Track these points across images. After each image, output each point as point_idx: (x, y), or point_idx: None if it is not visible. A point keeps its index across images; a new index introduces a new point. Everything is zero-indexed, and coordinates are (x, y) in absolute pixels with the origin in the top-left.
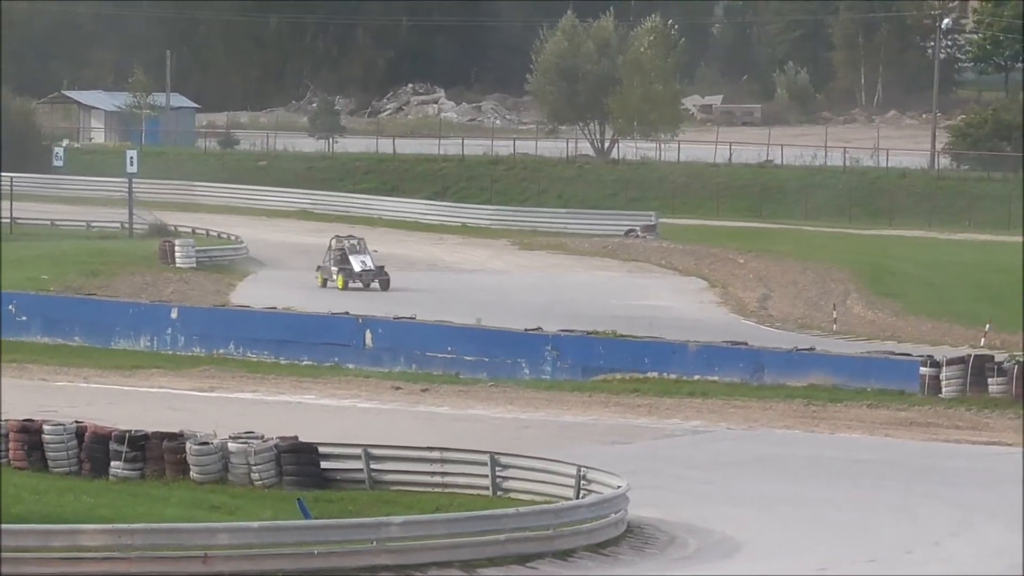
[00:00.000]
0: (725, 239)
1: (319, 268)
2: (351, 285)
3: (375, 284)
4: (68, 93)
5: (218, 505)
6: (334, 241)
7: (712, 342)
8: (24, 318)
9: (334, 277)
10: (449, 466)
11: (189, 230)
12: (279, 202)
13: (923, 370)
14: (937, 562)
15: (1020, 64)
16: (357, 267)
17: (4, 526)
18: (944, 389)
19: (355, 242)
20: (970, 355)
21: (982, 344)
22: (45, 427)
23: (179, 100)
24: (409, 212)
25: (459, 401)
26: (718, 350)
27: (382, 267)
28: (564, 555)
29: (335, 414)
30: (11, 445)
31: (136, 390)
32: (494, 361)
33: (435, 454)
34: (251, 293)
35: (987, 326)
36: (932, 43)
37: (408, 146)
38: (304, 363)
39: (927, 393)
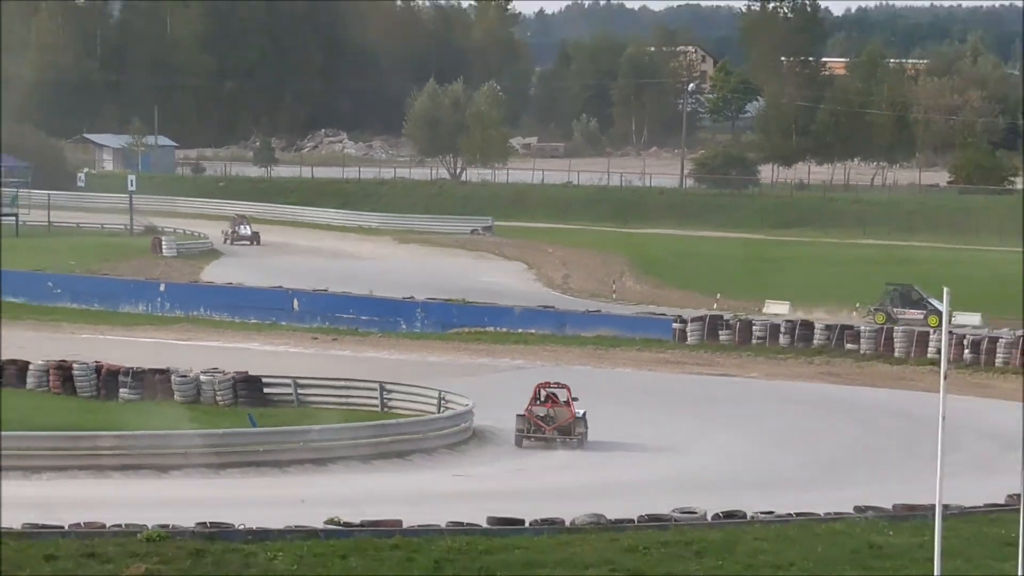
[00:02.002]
0: (539, 236)
1: (224, 233)
2: (237, 243)
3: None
4: (87, 135)
5: (194, 418)
6: (233, 222)
7: (530, 306)
8: (59, 291)
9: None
10: (351, 391)
11: (171, 230)
12: (233, 210)
13: (675, 325)
14: (688, 454)
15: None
16: (242, 229)
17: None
18: (689, 338)
19: (244, 224)
20: (706, 315)
21: (714, 307)
22: (74, 365)
23: (163, 140)
24: (322, 218)
25: (358, 347)
26: (535, 312)
27: (257, 233)
28: (429, 451)
29: (273, 356)
30: (51, 378)
31: (136, 340)
32: (381, 320)
33: (341, 382)
34: (214, 273)
35: (718, 295)
36: (682, 101)
37: (321, 172)
38: (251, 321)
39: (677, 341)
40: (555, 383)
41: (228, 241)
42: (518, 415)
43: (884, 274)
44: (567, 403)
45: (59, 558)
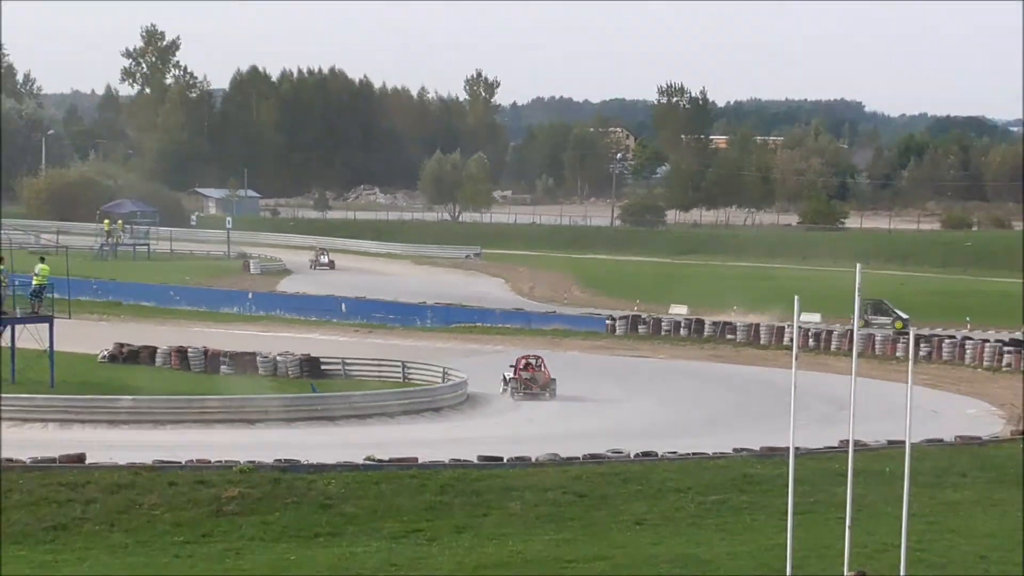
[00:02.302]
0: (513, 260)
1: (310, 261)
2: (319, 268)
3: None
4: (198, 189)
5: (272, 387)
6: (315, 252)
7: (506, 309)
8: (178, 298)
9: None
10: (382, 367)
11: (256, 256)
12: (302, 242)
13: (607, 322)
14: (616, 412)
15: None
16: (322, 259)
17: (167, 396)
18: (617, 331)
19: (325, 255)
20: (629, 315)
21: (635, 309)
22: (188, 349)
23: (251, 193)
24: (361, 247)
25: (386, 337)
26: (509, 313)
27: (331, 261)
28: (437, 410)
29: (327, 344)
30: (172, 358)
31: (231, 332)
32: (402, 318)
33: (375, 361)
34: (287, 286)
35: (637, 301)
36: (612, 165)
37: (361, 215)
38: (312, 319)
39: (609, 332)
40: (533, 355)
41: (313, 267)
42: (508, 376)
43: (753, 286)
44: (543, 368)
45: (178, 484)
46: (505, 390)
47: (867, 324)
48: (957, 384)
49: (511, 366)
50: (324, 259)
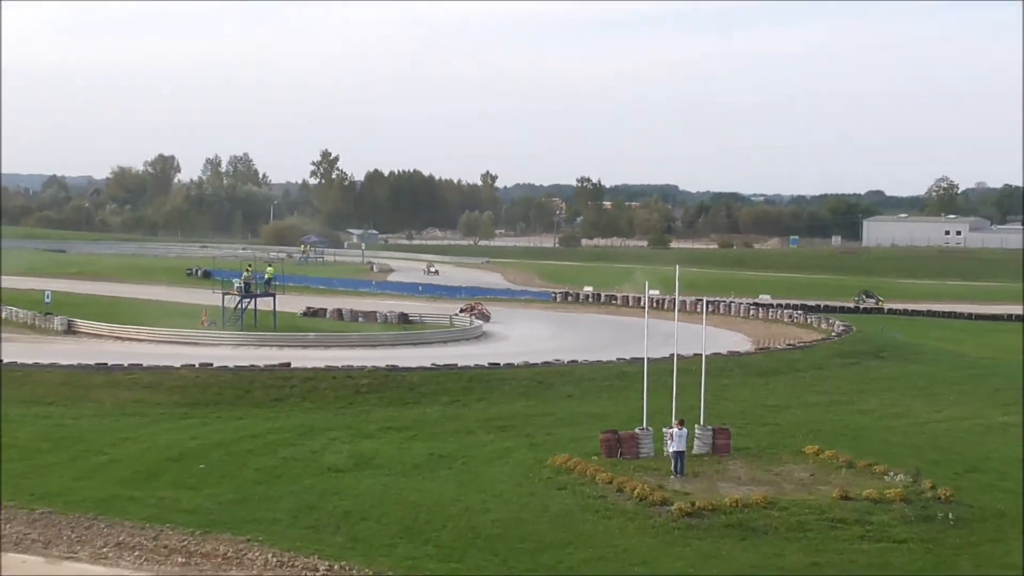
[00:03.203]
0: (506, 265)
1: (424, 270)
2: (429, 274)
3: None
4: (348, 230)
5: (383, 328)
6: (427, 265)
7: (502, 288)
8: (337, 284)
9: (427, 272)
10: (439, 318)
11: (376, 263)
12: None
13: (552, 295)
14: (544, 342)
15: (578, 223)
16: (432, 269)
17: (329, 333)
18: (558, 299)
19: (433, 267)
20: (566, 291)
21: (567, 289)
22: (342, 309)
23: (373, 231)
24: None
25: (440, 303)
26: (502, 291)
27: (436, 270)
28: (467, 340)
29: (412, 306)
30: (334, 314)
31: (364, 301)
32: (447, 295)
33: (435, 315)
34: (392, 277)
35: (567, 285)
36: (554, 217)
37: (428, 243)
38: (403, 294)
39: (553, 301)
40: (476, 301)
41: (426, 273)
42: (461, 310)
43: (624, 276)
44: (482, 308)
45: (337, 377)
46: (459, 314)
47: (863, 302)
48: (728, 325)
49: (461, 309)
50: (433, 268)
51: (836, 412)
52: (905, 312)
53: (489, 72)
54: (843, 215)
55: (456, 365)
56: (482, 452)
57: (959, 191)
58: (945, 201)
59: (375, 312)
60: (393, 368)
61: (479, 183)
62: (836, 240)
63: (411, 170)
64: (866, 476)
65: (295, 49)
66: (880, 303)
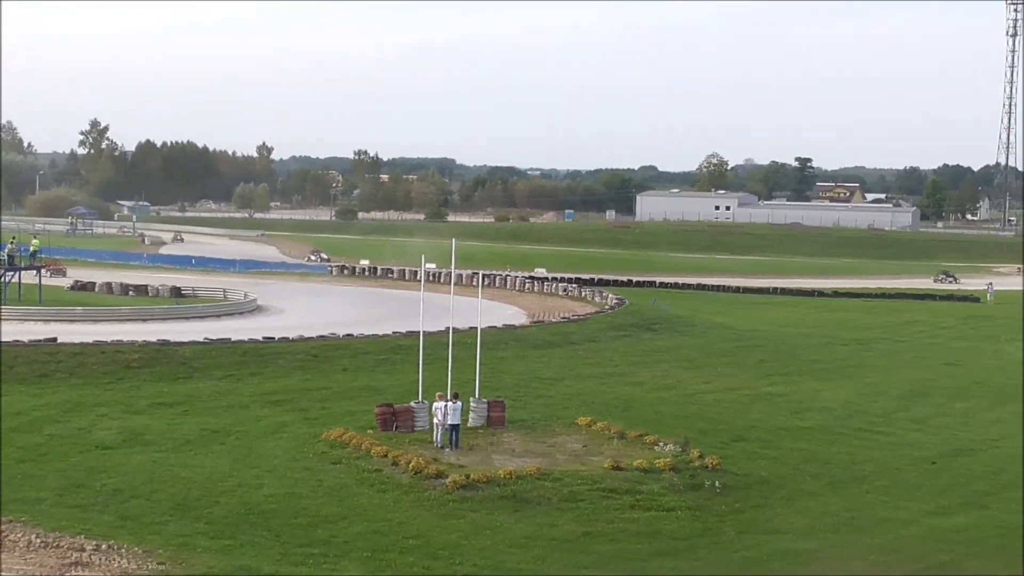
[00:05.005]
0: (283, 238)
1: (172, 239)
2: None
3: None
4: (118, 201)
5: (155, 301)
6: (175, 234)
7: (277, 262)
8: (107, 257)
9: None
10: (213, 291)
11: (148, 235)
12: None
13: (329, 268)
14: (333, 315)
15: (353, 195)
16: (178, 238)
17: (100, 307)
18: (334, 273)
19: (180, 236)
20: (341, 265)
21: (343, 261)
22: (112, 283)
23: (144, 203)
24: (202, 231)
25: (215, 276)
26: (278, 264)
27: (183, 239)
28: (242, 314)
29: (185, 280)
30: (106, 288)
31: (136, 275)
32: (223, 266)
33: (208, 289)
34: (165, 250)
35: (344, 258)
36: (332, 189)
37: (202, 215)
38: (176, 267)
39: (330, 275)
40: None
41: (172, 242)
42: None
43: (400, 249)
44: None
45: (106, 352)
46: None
47: (945, 282)
48: (504, 299)
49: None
50: (179, 237)
51: (609, 384)
52: (676, 286)
53: (267, 43)
54: (617, 190)
55: (230, 339)
56: (256, 427)
57: (728, 167)
58: (715, 177)
59: (147, 285)
60: (165, 342)
61: (255, 155)
62: (610, 214)
63: (185, 141)
64: (637, 446)
65: (67, 14)
66: (957, 281)
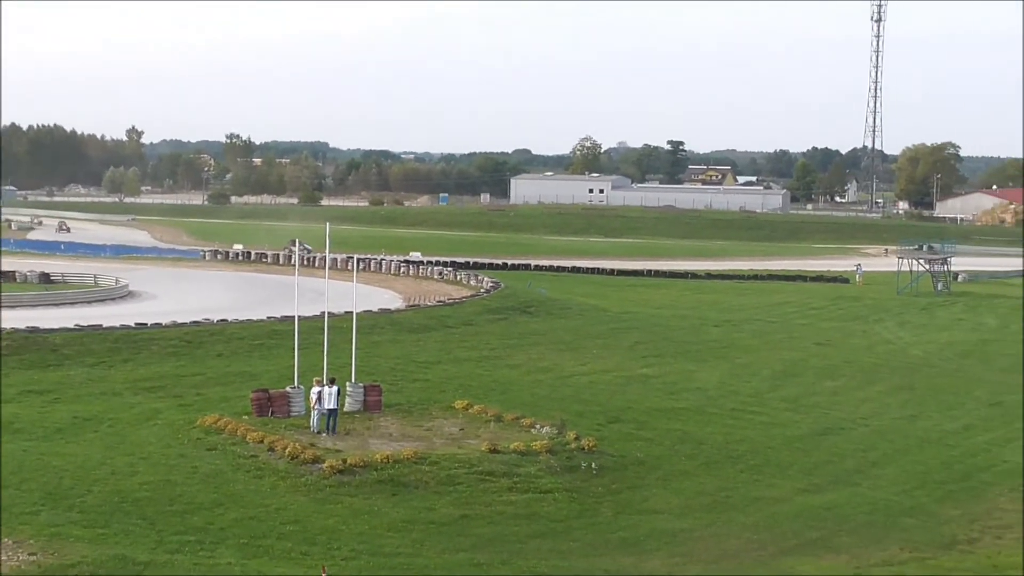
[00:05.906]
0: (154, 222)
1: (56, 229)
2: (60, 231)
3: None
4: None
5: (24, 288)
6: (59, 222)
7: (149, 247)
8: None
9: (58, 230)
10: (84, 277)
11: (15, 220)
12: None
13: (202, 253)
14: (208, 300)
15: (226, 179)
16: (63, 227)
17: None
18: (207, 258)
19: (65, 225)
20: (214, 249)
21: (215, 246)
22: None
23: (10, 187)
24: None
25: (87, 262)
26: (151, 249)
27: (68, 228)
28: (112, 300)
29: (55, 266)
30: None
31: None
32: (94, 251)
33: (78, 275)
34: (33, 236)
35: (217, 243)
36: (204, 173)
37: (72, 200)
38: (46, 253)
39: (203, 259)
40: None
41: (57, 231)
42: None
43: (272, 234)
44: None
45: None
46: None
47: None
48: (379, 283)
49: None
50: (64, 227)
51: (486, 367)
52: (551, 268)
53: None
54: (491, 173)
55: (101, 325)
56: (129, 414)
57: (602, 150)
58: (589, 160)
59: (14, 272)
60: (34, 329)
61: (124, 139)
62: (485, 198)
63: (52, 124)
64: (514, 429)
65: None
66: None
